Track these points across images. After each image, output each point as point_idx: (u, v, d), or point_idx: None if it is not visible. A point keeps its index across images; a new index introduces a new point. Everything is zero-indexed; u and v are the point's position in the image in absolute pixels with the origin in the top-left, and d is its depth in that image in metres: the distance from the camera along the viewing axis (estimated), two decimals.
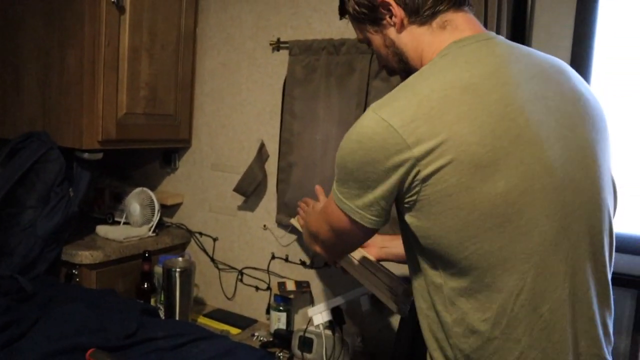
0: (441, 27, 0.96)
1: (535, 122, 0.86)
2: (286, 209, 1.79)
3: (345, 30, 1.65)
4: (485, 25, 1.36)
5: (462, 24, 0.95)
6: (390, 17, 0.98)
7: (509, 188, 0.83)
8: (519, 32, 1.47)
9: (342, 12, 1.11)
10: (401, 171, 0.84)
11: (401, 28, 0.98)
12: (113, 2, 1.65)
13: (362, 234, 0.98)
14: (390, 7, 0.97)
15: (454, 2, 0.96)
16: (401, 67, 1.03)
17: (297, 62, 1.73)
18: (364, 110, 1.61)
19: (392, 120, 0.83)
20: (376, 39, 1.04)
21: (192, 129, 2.07)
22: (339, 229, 0.99)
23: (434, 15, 0.95)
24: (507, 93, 0.86)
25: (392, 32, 1.00)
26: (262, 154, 1.87)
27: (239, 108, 1.95)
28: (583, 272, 0.91)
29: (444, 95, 0.84)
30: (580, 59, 1.45)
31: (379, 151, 0.84)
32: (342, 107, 1.66)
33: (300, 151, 1.75)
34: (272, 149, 1.86)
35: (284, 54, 1.80)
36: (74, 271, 1.73)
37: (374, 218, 0.92)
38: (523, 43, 1.42)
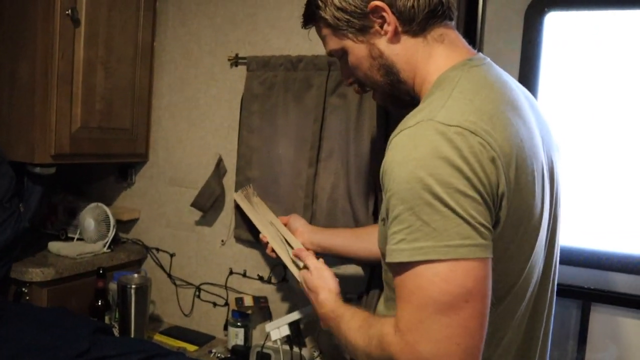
0: (438, 41, 0.92)
1: (543, 149, 0.89)
2: (244, 224, 1.79)
3: (302, 47, 1.67)
4: None
5: (456, 40, 0.94)
6: (381, 26, 0.91)
7: (538, 216, 0.84)
8: None
9: (311, 19, 1.01)
10: (494, 188, 0.74)
11: (394, 37, 0.92)
12: (67, 14, 1.62)
13: (485, 273, 0.74)
14: (384, 14, 0.90)
15: (445, 16, 0.93)
16: (387, 80, 0.96)
17: (255, 78, 1.74)
18: (321, 125, 1.63)
19: (475, 128, 0.74)
20: (359, 50, 0.95)
21: (149, 144, 2.04)
22: (462, 295, 0.71)
23: (428, 27, 0.91)
24: (531, 120, 0.87)
25: (381, 41, 0.93)
26: (219, 169, 1.86)
27: (196, 123, 1.94)
28: (553, 290, 0.98)
29: (505, 117, 0.80)
30: (528, 78, 1.51)
31: (474, 166, 0.72)
32: (299, 123, 1.68)
33: (258, 166, 1.75)
34: (230, 164, 1.86)
35: (242, 70, 1.81)
36: (23, 289, 1.68)
37: (488, 241, 0.74)
38: None
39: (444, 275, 0.71)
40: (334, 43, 0.98)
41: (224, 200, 1.88)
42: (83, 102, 1.73)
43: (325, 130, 1.64)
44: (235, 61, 1.82)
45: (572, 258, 1.48)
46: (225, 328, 1.86)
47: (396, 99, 1.00)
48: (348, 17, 0.92)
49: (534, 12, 1.49)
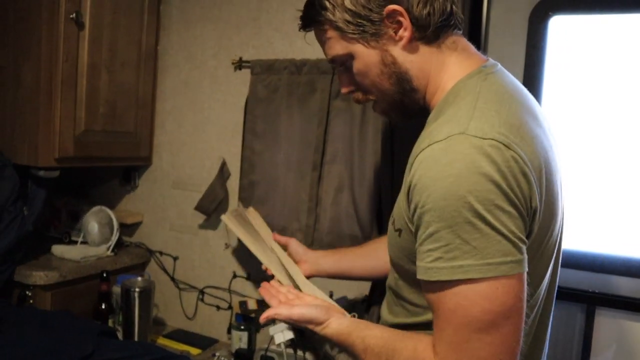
0: (451, 49, 0.90)
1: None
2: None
3: (306, 50, 1.67)
4: None
5: (468, 47, 0.93)
6: (396, 31, 0.88)
7: (558, 226, 0.85)
8: None
9: (313, 21, 0.94)
10: (528, 201, 0.73)
11: (409, 44, 0.89)
12: (72, 17, 1.62)
13: (523, 288, 0.74)
14: (401, 19, 0.87)
15: (456, 25, 0.92)
16: (398, 89, 0.93)
17: (259, 82, 1.75)
18: (326, 129, 1.63)
19: (508, 142, 0.73)
20: (369, 56, 0.91)
21: (153, 147, 2.04)
22: (503, 312, 0.71)
23: (441, 35, 0.90)
24: (546, 126, 0.87)
25: (395, 48, 0.89)
26: (223, 172, 1.86)
27: (200, 126, 1.94)
28: (555, 294, 0.97)
29: (530, 129, 0.79)
30: (532, 82, 1.51)
31: (510, 180, 0.71)
32: (303, 126, 1.68)
33: (262, 170, 1.75)
34: (234, 167, 1.86)
35: (246, 73, 1.81)
36: (27, 292, 1.67)
37: (524, 256, 0.73)
38: None
39: (486, 294, 0.71)
40: (341, 48, 0.92)
41: (227, 204, 1.88)
42: (87, 105, 1.73)
43: (329, 133, 1.64)
44: (239, 65, 1.83)
45: (577, 262, 1.47)
46: (229, 331, 1.86)
47: (404, 108, 0.97)
48: (361, 20, 0.88)
49: (538, 16, 1.48)
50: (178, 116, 1.99)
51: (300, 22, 0.98)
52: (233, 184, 1.86)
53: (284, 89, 1.70)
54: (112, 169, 2.11)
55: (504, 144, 0.72)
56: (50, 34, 1.62)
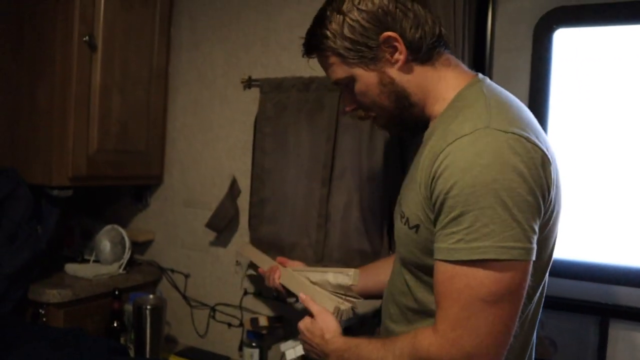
0: (445, 65, 0.98)
1: None
2: (259, 244, 1.79)
3: (314, 68, 1.69)
4: None
5: (459, 63, 1.01)
6: (392, 55, 0.95)
7: (559, 220, 0.91)
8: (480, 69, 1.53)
9: (316, 48, 1.02)
10: (545, 191, 0.81)
11: (404, 66, 0.96)
12: (85, 40, 1.67)
13: (527, 277, 0.81)
14: (396, 44, 0.94)
15: (445, 45, 0.99)
16: (398, 105, 1.00)
17: (268, 100, 1.77)
18: (334, 145, 1.64)
19: (527, 135, 0.80)
20: (369, 78, 0.98)
21: (164, 166, 2.07)
22: (505, 295, 0.79)
23: (434, 54, 0.97)
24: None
25: (392, 69, 0.97)
26: (233, 190, 1.88)
27: (210, 144, 1.97)
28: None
29: (535, 125, 0.87)
30: (538, 95, 1.52)
31: (532, 171, 0.79)
32: (312, 143, 1.69)
33: (272, 187, 1.77)
34: (244, 184, 1.88)
35: (255, 92, 1.83)
36: (40, 310, 1.69)
37: (534, 245, 0.80)
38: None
39: (494, 276, 0.78)
40: (342, 72, 1.00)
41: (238, 221, 1.89)
42: (99, 125, 1.76)
43: (337, 149, 1.65)
44: (248, 83, 1.85)
45: (590, 273, 1.46)
46: (240, 349, 1.86)
47: (402, 122, 1.04)
48: (360, 47, 0.95)
49: (543, 29, 1.50)
50: (189, 135, 2.02)
51: (303, 49, 1.05)
52: (243, 202, 1.88)
53: (293, 107, 1.72)
54: (123, 187, 2.13)
55: (523, 137, 0.80)
56: (64, 56, 1.66)
